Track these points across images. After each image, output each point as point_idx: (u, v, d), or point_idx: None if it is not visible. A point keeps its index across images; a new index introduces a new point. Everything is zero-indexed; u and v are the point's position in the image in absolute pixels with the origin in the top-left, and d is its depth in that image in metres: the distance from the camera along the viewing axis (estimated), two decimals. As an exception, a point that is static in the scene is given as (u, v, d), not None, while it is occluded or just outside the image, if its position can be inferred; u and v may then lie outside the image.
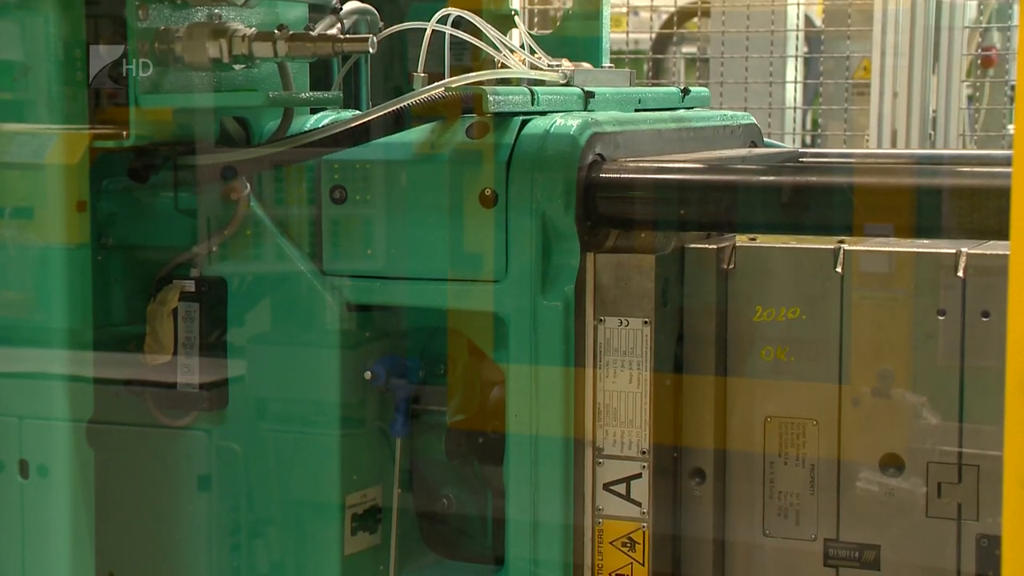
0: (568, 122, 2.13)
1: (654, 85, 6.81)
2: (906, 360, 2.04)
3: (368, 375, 2.24)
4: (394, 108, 2.16)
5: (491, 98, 2.12)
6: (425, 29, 2.29)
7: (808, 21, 6.66)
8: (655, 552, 2.10)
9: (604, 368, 2.09)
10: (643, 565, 2.09)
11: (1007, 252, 1.90)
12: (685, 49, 7.43)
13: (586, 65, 2.52)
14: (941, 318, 2.01)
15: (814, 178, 2.06)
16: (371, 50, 2.23)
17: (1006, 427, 1.41)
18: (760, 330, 2.10)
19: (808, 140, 6.64)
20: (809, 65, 6.44)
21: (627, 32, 7.04)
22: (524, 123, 2.14)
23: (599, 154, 2.13)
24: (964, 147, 5.83)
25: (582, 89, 2.33)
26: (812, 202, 2.02)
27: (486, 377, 2.26)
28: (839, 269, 2.06)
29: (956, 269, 2.00)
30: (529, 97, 2.19)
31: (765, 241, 2.13)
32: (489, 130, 2.13)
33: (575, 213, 2.08)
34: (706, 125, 2.50)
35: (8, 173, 2.19)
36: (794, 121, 6.30)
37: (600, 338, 2.09)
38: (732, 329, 2.12)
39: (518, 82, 2.28)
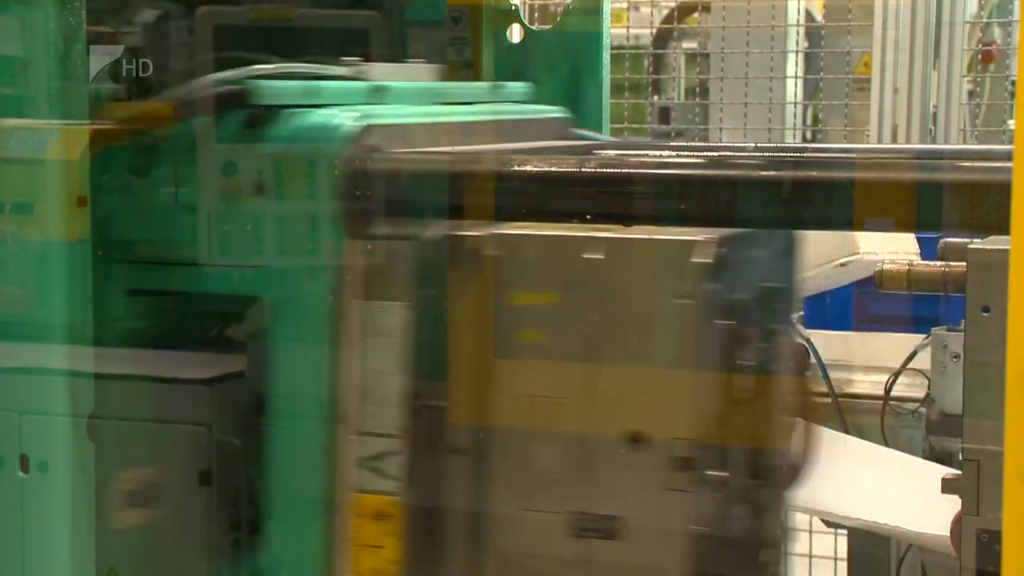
0: (337, 114, 2.22)
1: (654, 80, 6.81)
2: (652, 341, 2.16)
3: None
4: (166, 100, 2.24)
5: (261, 91, 2.21)
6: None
7: (808, 16, 6.66)
8: (410, 525, 2.22)
9: (364, 350, 2.21)
10: (396, 537, 2.21)
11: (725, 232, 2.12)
12: (685, 44, 7.44)
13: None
14: (683, 302, 2.13)
15: (556, 168, 2.18)
16: None
17: (1006, 422, 1.41)
18: (518, 314, 2.22)
19: (808, 135, 6.64)
20: (809, 60, 6.44)
21: (627, 27, 7.04)
22: (297, 116, 2.21)
23: (368, 145, 2.21)
24: (964, 142, 5.82)
25: (373, 83, 2.39)
26: (550, 190, 2.15)
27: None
28: (591, 255, 2.17)
29: (698, 255, 2.11)
30: (307, 91, 2.27)
31: (528, 229, 2.24)
32: (261, 122, 2.21)
33: (339, 202, 2.17)
34: (503, 118, 2.57)
35: (8, 168, 2.19)
36: (794, 116, 6.29)
37: (361, 321, 2.20)
38: (493, 312, 2.24)
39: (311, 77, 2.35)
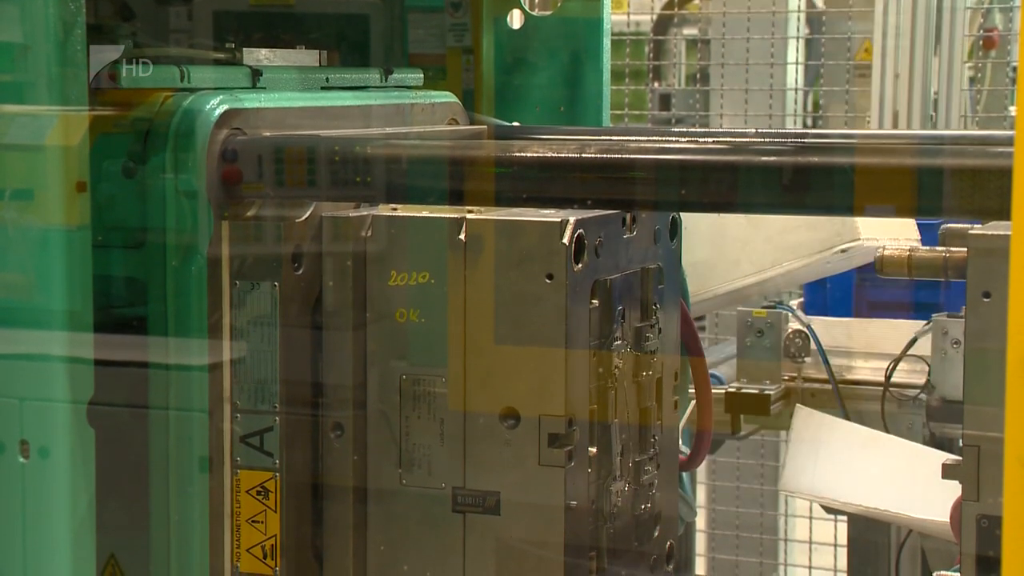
0: (204, 97, 2.24)
1: (655, 67, 6.81)
2: (521, 320, 2.23)
3: None
4: None
5: (125, 74, 2.24)
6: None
7: (809, 2, 6.65)
8: (290, 500, 2.29)
9: (239, 328, 2.27)
10: (276, 512, 2.28)
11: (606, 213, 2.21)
12: (686, 30, 7.43)
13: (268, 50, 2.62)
14: (549, 282, 2.20)
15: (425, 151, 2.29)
16: None
17: (1007, 408, 1.41)
18: (394, 293, 2.29)
19: (809, 122, 6.64)
20: (810, 46, 6.43)
21: (628, 13, 7.03)
22: (167, 99, 2.24)
23: (237, 128, 2.24)
24: (966, 128, 5.82)
25: (250, 68, 2.41)
26: (430, 171, 2.23)
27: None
28: (462, 236, 2.24)
29: (561, 236, 2.19)
30: (176, 74, 2.28)
31: (404, 211, 2.32)
32: (130, 104, 2.24)
33: (206, 184, 2.21)
34: (388, 103, 2.59)
35: (7, 154, 2.19)
36: (795, 102, 6.29)
37: (235, 301, 2.26)
38: (369, 292, 2.31)
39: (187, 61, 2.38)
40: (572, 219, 2.21)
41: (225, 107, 2.24)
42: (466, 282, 2.26)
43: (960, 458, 2.04)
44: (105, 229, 2.24)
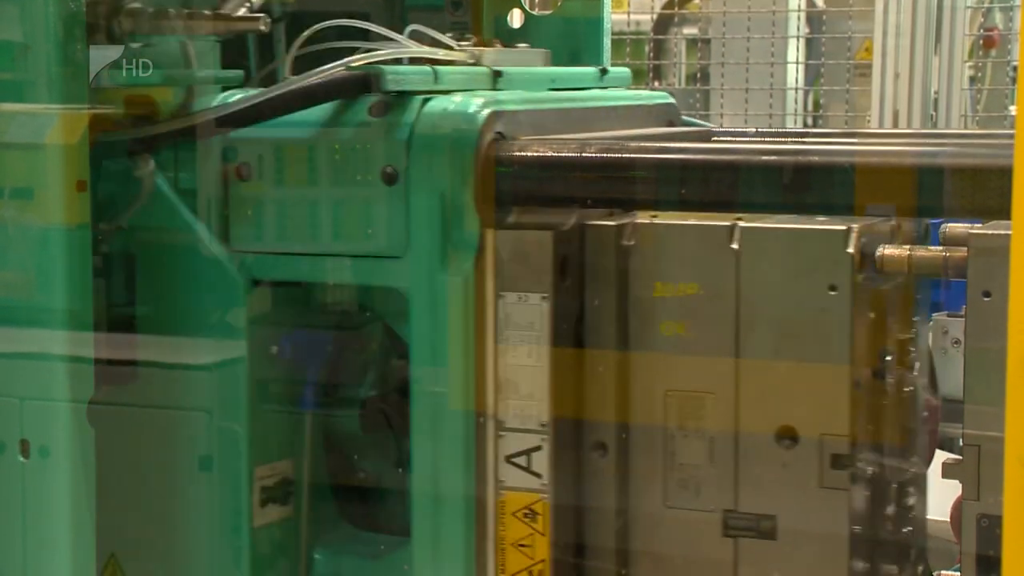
0: (468, 100, 2.15)
1: (655, 66, 6.81)
2: (799, 334, 2.08)
3: (274, 350, 2.26)
4: (295, 87, 2.18)
5: (389, 77, 2.15)
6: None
7: (810, 1, 6.65)
8: (556, 523, 2.15)
9: (504, 342, 2.13)
10: (544, 535, 2.14)
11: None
12: (687, 30, 7.43)
13: (499, 46, 2.54)
14: (832, 293, 2.06)
15: (701, 156, 2.11)
16: (263, 28, 2.28)
17: (1007, 407, 1.41)
18: (660, 305, 2.14)
19: (810, 121, 6.64)
20: (811, 46, 6.44)
21: (628, 12, 7.03)
22: (425, 102, 2.16)
23: (499, 132, 2.15)
24: (966, 128, 5.83)
25: (490, 68, 2.34)
26: (702, 178, 2.07)
27: (398, 351, 2.30)
28: (735, 245, 2.09)
29: (846, 245, 2.05)
30: (431, 76, 2.21)
31: (665, 218, 2.16)
32: (389, 109, 2.16)
33: (474, 190, 2.11)
34: (618, 104, 2.52)
35: (8, 153, 2.19)
36: (796, 102, 6.29)
37: (500, 313, 2.13)
38: (632, 304, 2.16)
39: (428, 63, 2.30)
40: (856, 226, 2.05)
41: (489, 110, 2.14)
42: (738, 293, 2.10)
43: (960, 457, 2.04)
44: (366, 237, 2.17)
